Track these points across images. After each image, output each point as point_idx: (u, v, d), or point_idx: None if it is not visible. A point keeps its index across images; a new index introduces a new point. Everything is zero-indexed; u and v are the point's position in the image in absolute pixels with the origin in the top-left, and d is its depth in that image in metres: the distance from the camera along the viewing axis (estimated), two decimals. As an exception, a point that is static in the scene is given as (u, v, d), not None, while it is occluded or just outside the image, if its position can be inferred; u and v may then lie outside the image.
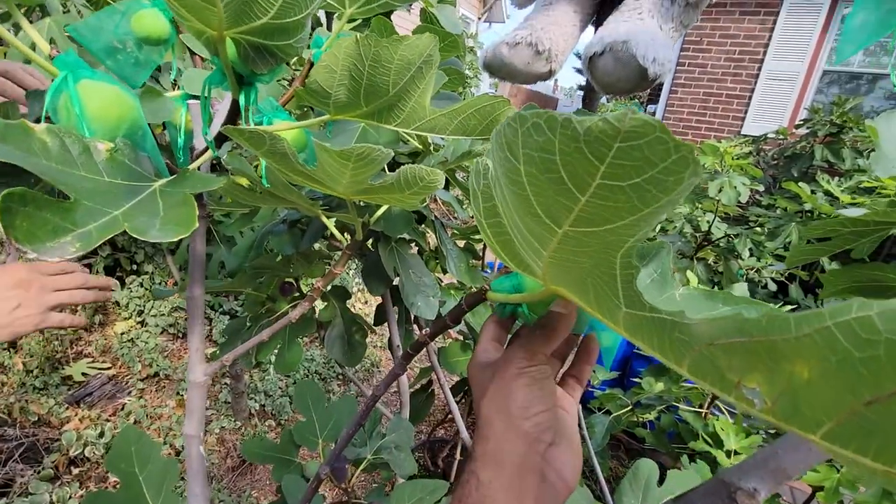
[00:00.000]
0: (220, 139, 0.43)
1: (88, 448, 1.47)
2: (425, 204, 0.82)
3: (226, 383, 2.07)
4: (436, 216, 0.87)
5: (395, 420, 0.74)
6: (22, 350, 2.05)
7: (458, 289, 1.03)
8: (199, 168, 0.43)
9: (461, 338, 1.19)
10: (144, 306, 2.40)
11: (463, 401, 1.55)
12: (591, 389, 1.77)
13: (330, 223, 0.56)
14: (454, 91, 0.80)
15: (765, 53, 4.40)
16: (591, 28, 0.66)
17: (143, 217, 0.33)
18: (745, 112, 4.55)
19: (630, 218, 0.15)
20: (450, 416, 1.73)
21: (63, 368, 2.03)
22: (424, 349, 1.10)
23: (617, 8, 0.59)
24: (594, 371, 1.45)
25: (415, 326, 0.99)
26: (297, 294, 0.96)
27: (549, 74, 0.62)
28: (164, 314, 2.38)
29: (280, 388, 2.15)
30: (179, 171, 0.42)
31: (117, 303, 2.41)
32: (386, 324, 0.97)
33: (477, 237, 1.25)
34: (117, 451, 0.59)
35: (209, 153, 0.43)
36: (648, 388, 1.40)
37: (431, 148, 0.64)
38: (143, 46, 0.57)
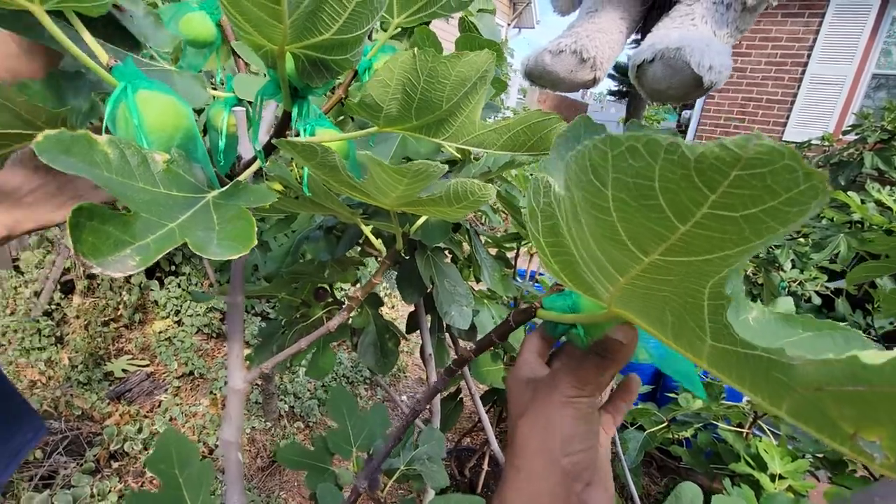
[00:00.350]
0: (269, 149, 0.43)
1: (128, 443, 1.52)
2: (461, 213, 0.82)
3: (257, 384, 2.11)
4: (469, 224, 0.86)
5: (427, 431, 0.73)
6: (68, 346, 2.14)
7: (490, 297, 1.01)
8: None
9: (491, 347, 1.17)
10: (181, 306, 2.48)
11: (491, 411, 1.53)
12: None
13: (368, 231, 0.56)
14: (492, 100, 0.80)
15: (809, 56, 4.22)
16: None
17: (199, 231, 0.33)
18: (787, 117, 4.38)
19: (735, 249, 0.14)
20: (478, 424, 1.71)
21: (105, 364, 2.11)
22: (454, 350, 1.08)
23: (667, 14, 0.57)
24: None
25: (447, 335, 0.98)
26: (330, 300, 0.97)
27: (594, 82, 0.61)
28: (199, 314, 2.45)
29: (309, 390, 2.18)
30: (229, 181, 0.42)
31: (156, 302, 2.50)
32: (416, 331, 0.96)
33: (509, 245, 1.23)
34: (158, 452, 0.60)
35: (257, 163, 0.43)
36: (685, 404, 1.35)
37: (472, 157, 0.63)
38: (190, 48, 0.59)
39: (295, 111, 0.38)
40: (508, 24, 10.51)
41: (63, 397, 1.72)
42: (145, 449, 1.59)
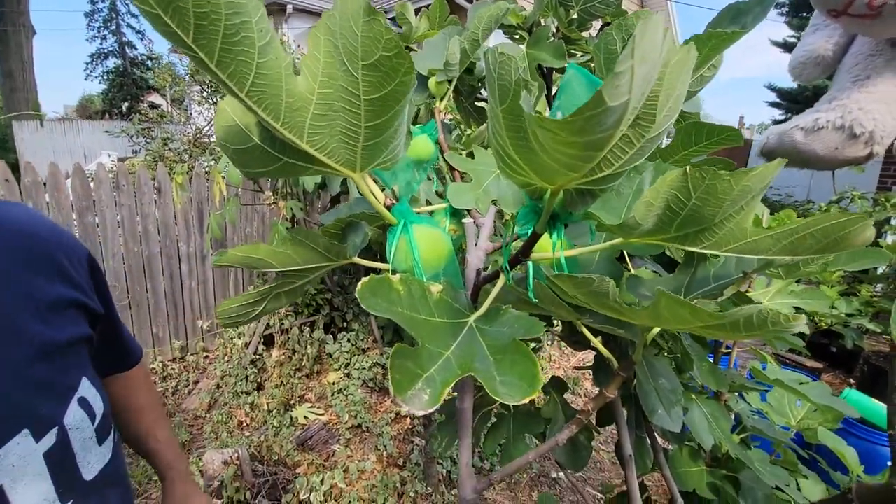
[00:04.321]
0: (513, 264, 0.44)
1: (313, 493, 1.67)
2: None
3: (417, 445, 2.17)
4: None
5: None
6: (266, 392, 2.51)
7: (701, 392, 0.88)
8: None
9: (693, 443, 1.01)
10: (351, 360, 2.74)
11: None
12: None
13: (593, 338, 0.52)
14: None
15: None
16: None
17: (477, 363, 0.34)
18: None
19: None
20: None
21: (291, 410, 2.41)
22: (652, 451, 0.96)
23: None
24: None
25: (646, 436, 0.87)
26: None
27: (867, 158, 0.51)
28: (365, 368, 2.67)
29: (464, 455, 2.16)
30: (476, 302, 0.43)
31: (330, 355, 2.80)
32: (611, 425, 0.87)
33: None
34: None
35: (502, 280, 0.44)
36: None
37: (709, 255, 0.57)
38: (414, 165, 0.66)
39: (554, 236, 0.38)
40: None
41: (264, 442, 1.98)
42: (325, 501, 1.72)
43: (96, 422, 0.50)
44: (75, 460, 0.47)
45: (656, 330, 0.52)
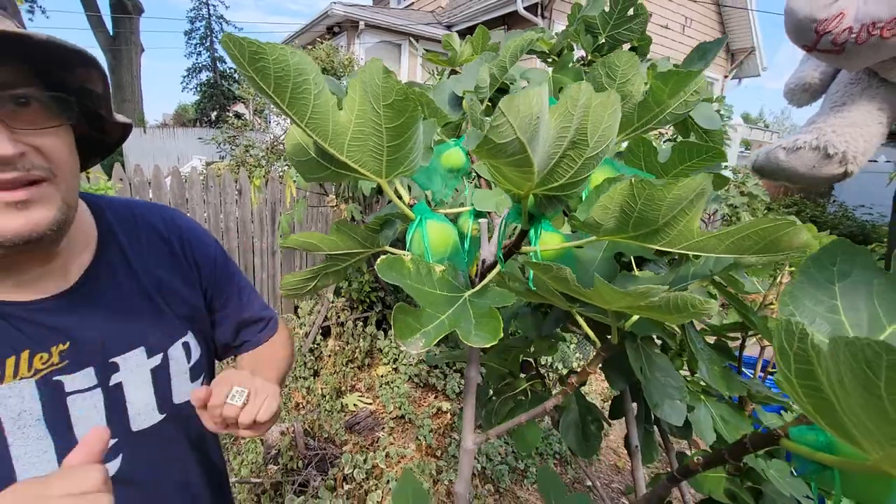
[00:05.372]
0: (507, 255, 0.54)
1: (356, 470, 1.83)
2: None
3: (455, 438, 2.28)
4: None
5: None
6: (321, 379, 2.73)
7: (708, 392, 0.92)
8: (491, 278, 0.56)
9: (708, 448, 1.04)
10: (399, 356, 2.90)
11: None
12: None
13: (582, 321, 0.61)
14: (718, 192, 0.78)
15: None
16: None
17: (463, 322, 0.45)
18: None
19: None
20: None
21: (342, 397, 2.60)
22: (665, 454, 1.00)
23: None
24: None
25: (655, 428, 0.92)
26: (533, 373, 1.04)
27: (845, 176, 0.56)
28: (412, 365, 2.82)
29: (500, 454, 2.23)
30: (479, 280, 0.54)
31: (380, 350, 2.98)
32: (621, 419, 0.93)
33: (733, 335, 1.10)
34: (400, 490, 0.74)
35: (498, 267, 0.54)
36: None
37: (691, 255, 0.63)
38: (447, 173, 0.77)
39: (532, 232, 0.49)
40: (725, 77, 9.58)
41: (317, 421, 2.18)
42: (367, 478, 1.87)
43: (191, 362, 0.66)
44: (170, 384, 0.63)
45: (633, 318, 0.59)
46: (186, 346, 0.65)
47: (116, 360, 0.57)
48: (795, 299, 0.38)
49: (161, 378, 0.62)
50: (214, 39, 26.17)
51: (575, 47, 1.00)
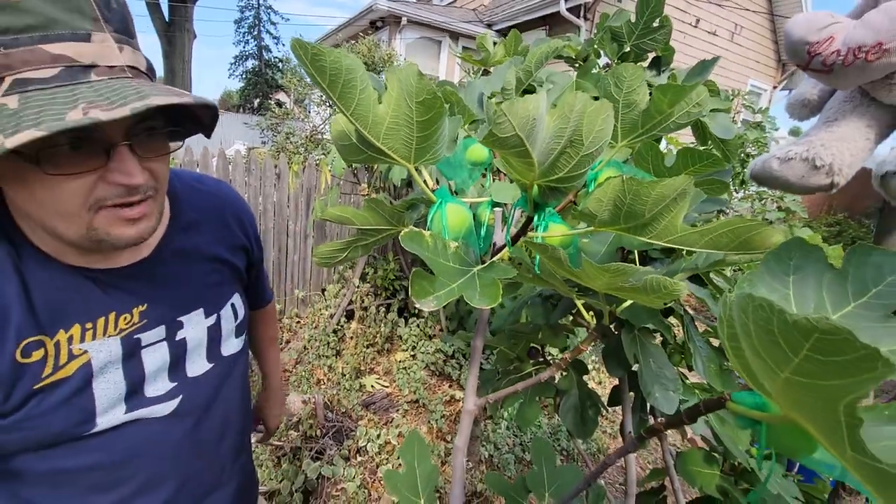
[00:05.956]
0: (515, 239, 0.62)
1: (370, 444, 1.93)
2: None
3: (465, 425, 2.36)
4: (686, 310, 0.88)
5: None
6: (342, 358, 2.86)
7: (706, 390, 0.96)
8: (500, 258, 0.63)
9: (706, 447, 1.08)
10: (417, 344, 3.00)
11: (703, 524, 1.34)
12: None
13: (580, 304, 0.68)
14: (720, 196, 0.83)
15: None
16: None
17: (469, 290, 0.53)
18: None
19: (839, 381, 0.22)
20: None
21: (361, 378, 2.72)
22: (660, 449, 1.05)
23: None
24: None
25: (650, 417, 0.98)
26: (540, 359, 1.10)
27: (831, 187, 0.60)
28: (429, 353, 2.92)
29: (507, 444, 2.30)
30: (488, 260, 0.62)
31: (400, 336, 3.09)
32: (618, 407, 0.99)
33: (736, 339, 1.13)
34: (407, 445, 0.83)
35: (506, 249, 0.62)
36: None
37: (685, 252, 0.69)
38: (471, 166, 0.85)
39: (536, 218, 0.56)
40: (774, 87, 9.24)
41: (336, 396, 2.30)
42: (379, 452, 1.98)
43: (237, 321, 0.77)
44: (221, 340, 0.74)
45: (626, 304, 0.66)
46: (234, 306, 0.75)
47: (182, 318, 0.68)
48: (753, 286, 0.44)
49: (214, 333, 0.72)
50: (262, 29, 26.99)
51: (602, 54, 1.06)
